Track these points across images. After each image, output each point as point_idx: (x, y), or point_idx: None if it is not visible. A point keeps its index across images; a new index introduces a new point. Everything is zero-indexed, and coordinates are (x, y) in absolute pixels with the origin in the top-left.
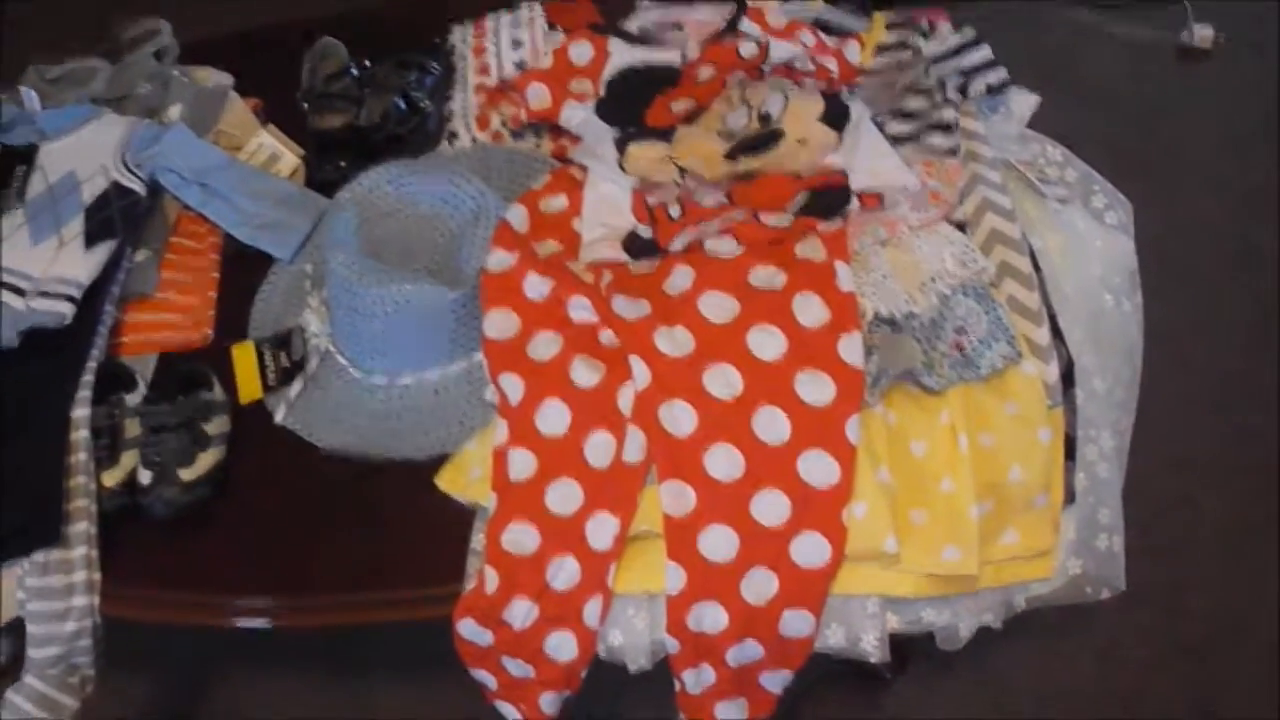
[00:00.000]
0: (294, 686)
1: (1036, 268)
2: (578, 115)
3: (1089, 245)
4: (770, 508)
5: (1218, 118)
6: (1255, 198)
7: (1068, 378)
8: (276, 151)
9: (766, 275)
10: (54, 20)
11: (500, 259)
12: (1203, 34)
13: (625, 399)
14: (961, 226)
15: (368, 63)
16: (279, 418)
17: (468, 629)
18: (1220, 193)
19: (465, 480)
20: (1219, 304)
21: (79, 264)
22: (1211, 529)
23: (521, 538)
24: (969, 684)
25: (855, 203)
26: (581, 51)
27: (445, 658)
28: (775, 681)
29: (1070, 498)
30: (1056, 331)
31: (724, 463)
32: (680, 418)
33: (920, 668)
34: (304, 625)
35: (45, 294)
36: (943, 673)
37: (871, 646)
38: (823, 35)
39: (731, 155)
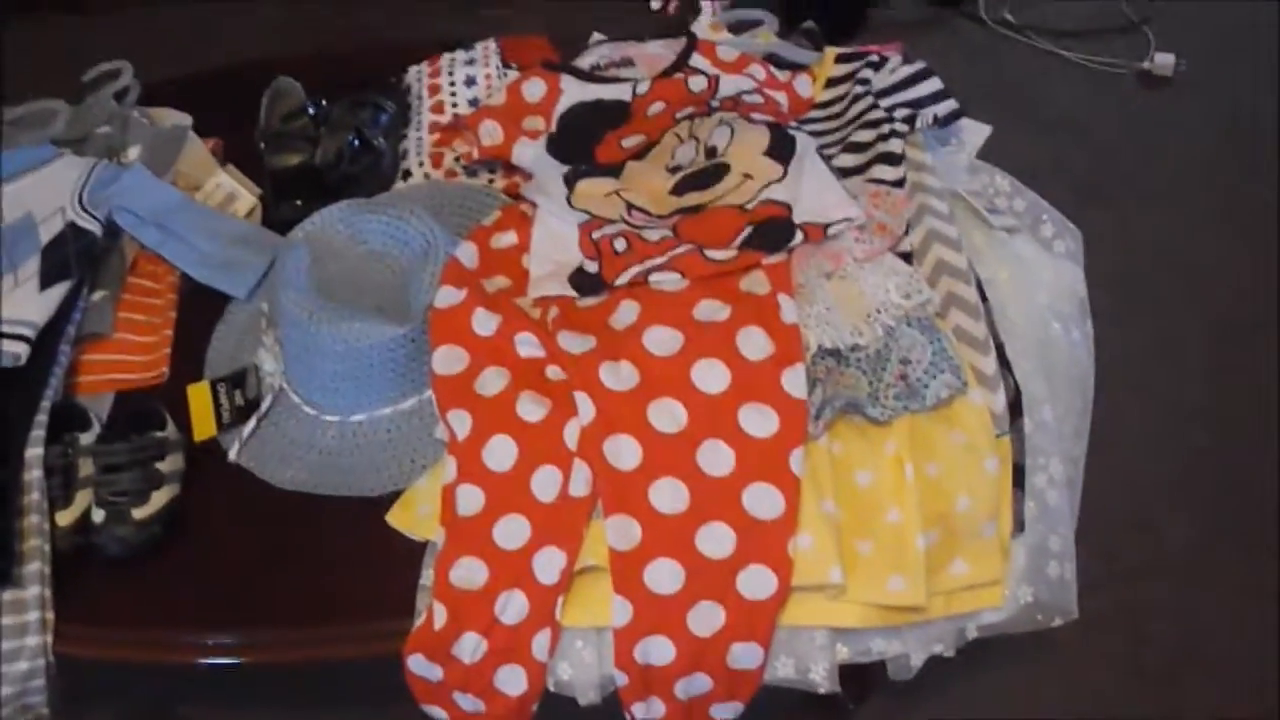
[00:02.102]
0: None
1: (984, 297)
2: (529, 152)
3: (1037, 274)
4: (716, 541)
5: (1178, 145)
6: (1214, 224)
7: (1015, 407)
8: (234, 191)
9: (710, 309)
10: (14, 62)
11: (449, 295)
12: (1164, 61)
13: (571, 434)
14: (908, 257)
15: (324, 102)
16: (232, 455)
17: (418, 664)
18: (1180, 219)
19: (415, 516)
20: (1177, 329)
21: (34, 304)
22: (1173, 554)
23: (469, 573)
24: (931, 713)
25: (799, 236)
26: (534, 88)
27: (404, 692)
28: (726, 713)
29: (1019, 526)
30: (1004, 361)
31: (669, 496)
32: (625, 452)
33: (882, 698)
34: (257, 661)
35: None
36: (905, 702)
37: (821, 677)
38: (773, 69)
39: (677, 190)
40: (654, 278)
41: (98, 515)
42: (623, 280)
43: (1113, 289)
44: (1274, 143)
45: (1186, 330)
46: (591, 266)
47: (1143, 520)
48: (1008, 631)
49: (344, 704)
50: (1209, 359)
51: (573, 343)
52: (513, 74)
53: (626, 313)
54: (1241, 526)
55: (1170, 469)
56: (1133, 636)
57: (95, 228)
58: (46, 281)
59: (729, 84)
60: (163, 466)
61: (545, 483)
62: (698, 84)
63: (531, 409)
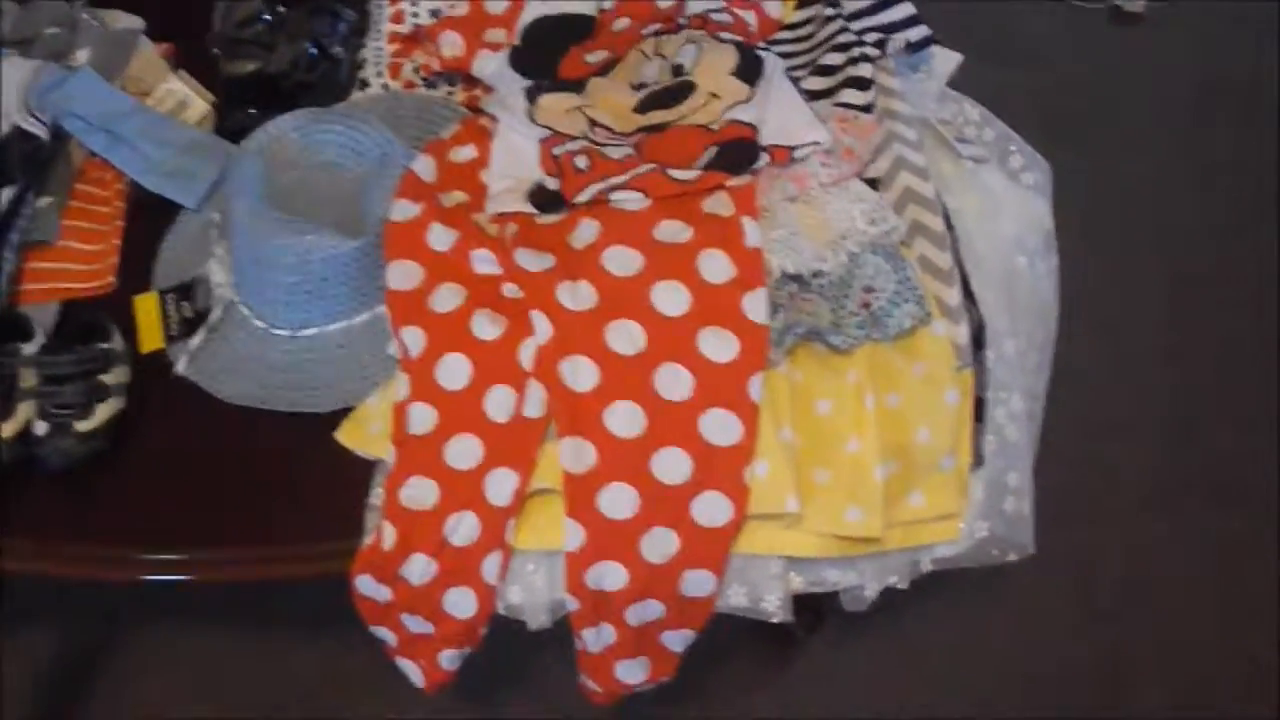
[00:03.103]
0: (204, 640)
1: (950, 227)
2: (490, 65)
3: (1004, 206)
4: (671, 466)
5: (1147, 83)
6: (1180, 164)
7: (978, 339)
8: (186, 98)
9: (672, 230)
10: None
11: (404, 209)
12: None
13: (527, 353)
14: (875, 184)
15: (281, 8)
16: (180, 368)
17: (366, 585)
18: (1145, 157)
19: (365, 434)
20: (1139, 269)
21: None
22: (1126, 493)
23: (420, 493)
24: (882, 643)
25: (765, 158)
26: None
27: (354, 612)
28: (677, 641)
29: (978, 460)
30: (968, 292)
31: (625, 420)
32: (581, 373)
33: (834, 627)
34: (203, 579)
35: None
36: (857, 632)
37: (774, 606)
38: None
39: (642, 108)
40: (615, 196)
41: (40, 427)
42: (583, 198)
43: (1077, 225)
44: (1244, 84)
45: (1149, 270)
46: (552, 183)
47: (1097, 459)
48: (963, 565)
49: (291, 623)
50: (1171, 300)
51: (531, 260)
52: None
53: (586, 231)
54: (1195, 468)
55: (1126, 409)
56: (1082, 575)
57: (42, 132)
58: None
59: (697, 1)
60: (107, 379)
61: (499, 403)
62: (665, 0)
63: (486, 327)
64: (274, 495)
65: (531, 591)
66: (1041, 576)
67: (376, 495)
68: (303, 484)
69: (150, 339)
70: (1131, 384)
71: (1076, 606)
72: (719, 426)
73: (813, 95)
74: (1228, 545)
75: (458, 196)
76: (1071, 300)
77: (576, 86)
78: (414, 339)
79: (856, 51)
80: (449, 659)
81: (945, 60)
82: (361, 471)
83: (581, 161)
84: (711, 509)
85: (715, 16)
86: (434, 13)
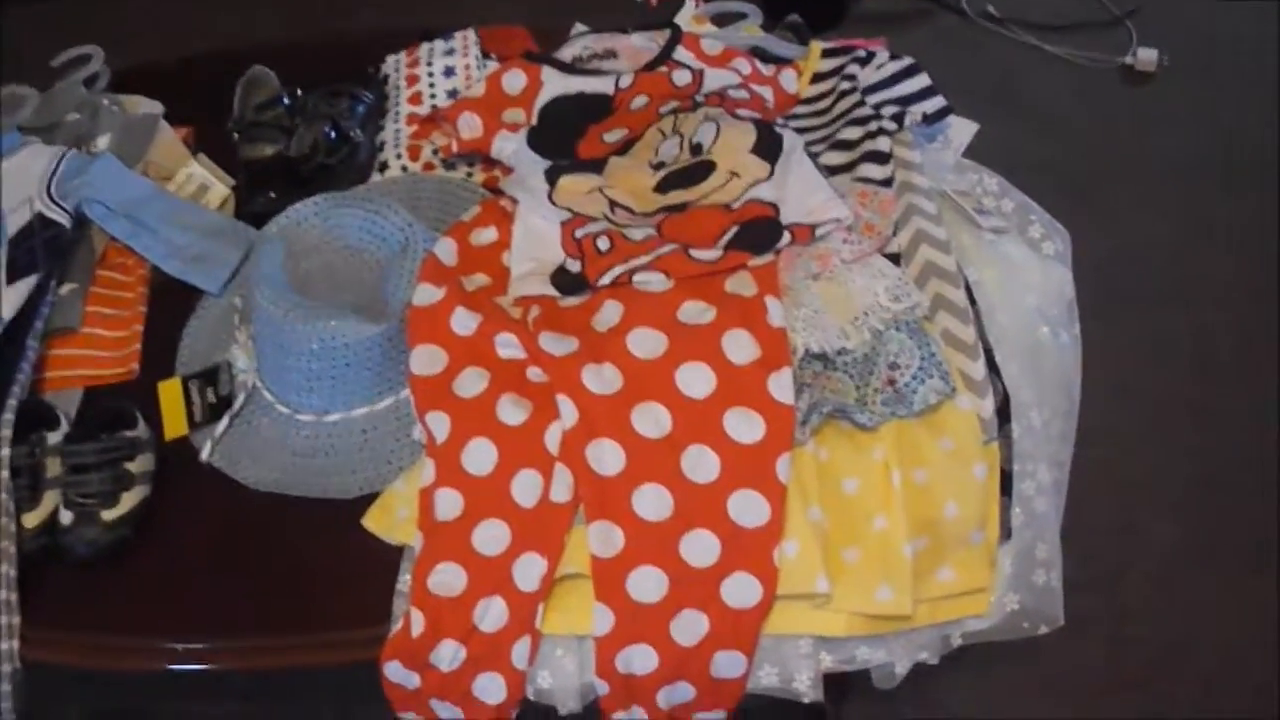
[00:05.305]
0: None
1: (972, 300)
2: (509, 146)
3: (1025, 276)
4: (700, 548)
5: (1160, 141)
6: (1196, 222)
7: (1004, 412)
8: (206, 182)
9: (696, 311)
10: None
11: (427, 293)
12: (1146, 57)
13: (553, 438)
14: (896, 258)
15: (299, 91)
16: (204, 455)
17: (395, 672)
18: (1162, 216)
19: (392, 520)
20: (1160, 328)
21: (0, 298)
22: (1153, 555)
23: (448, 579)
24: (912, 713)
25: (786, 236)
26: (515, 80)
27: (380, 696)
28: None
29: (1006, 533)
30: (992, 365)
31: (652, 503)
32: (608, 457)
33: (861, 699)
34: (229, 668)
35: None
36: (884, 704)
37: (805, 686)
38: (758, 64)
39: (661, 188)
40: (638, 278)
41: (66, 517)
42: (606, 280)
43: (1094, 284)
44: (1256, 140)
45: (1169, 328)
46: (574, 266)
47: (1124, 522)
48: (993, 639)
49: (319, 705)
50: (1193, 358)
51: (554, 344)
52: (492, 65)
53: (609, 313)
54: (1223, 529)
55: (1153, 470)
56: (1112, 639)
57: (64, 219)
58: (13, 274)
59: (714, 78)
60: (133, 467)
61: (526, 487)
62: (682, 78)
63: (512, 411)
64: (300, 582)
65: (561, 676)
66: (1072, 641)
67: (404, 581)
68: (329, 570)
69: (174, 426)
70: (1155, 444)
71: (1108, 672)
72: (747, 507)
73: (831, 170)
74: (1261, 606)
75: (480, 280)
76: (1092, 361)
77: (596, 167)
78: (439, 424)
79: (874, 125)
80: None
81: (961, 129)
82: (388, 557)
83: (603, 243)
84: (741, 590)
85: (732, 93)
86: (451, 93)
